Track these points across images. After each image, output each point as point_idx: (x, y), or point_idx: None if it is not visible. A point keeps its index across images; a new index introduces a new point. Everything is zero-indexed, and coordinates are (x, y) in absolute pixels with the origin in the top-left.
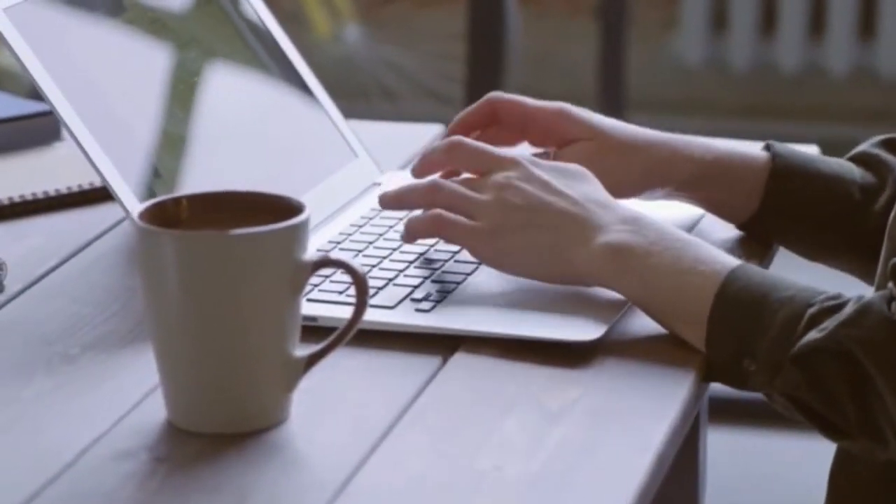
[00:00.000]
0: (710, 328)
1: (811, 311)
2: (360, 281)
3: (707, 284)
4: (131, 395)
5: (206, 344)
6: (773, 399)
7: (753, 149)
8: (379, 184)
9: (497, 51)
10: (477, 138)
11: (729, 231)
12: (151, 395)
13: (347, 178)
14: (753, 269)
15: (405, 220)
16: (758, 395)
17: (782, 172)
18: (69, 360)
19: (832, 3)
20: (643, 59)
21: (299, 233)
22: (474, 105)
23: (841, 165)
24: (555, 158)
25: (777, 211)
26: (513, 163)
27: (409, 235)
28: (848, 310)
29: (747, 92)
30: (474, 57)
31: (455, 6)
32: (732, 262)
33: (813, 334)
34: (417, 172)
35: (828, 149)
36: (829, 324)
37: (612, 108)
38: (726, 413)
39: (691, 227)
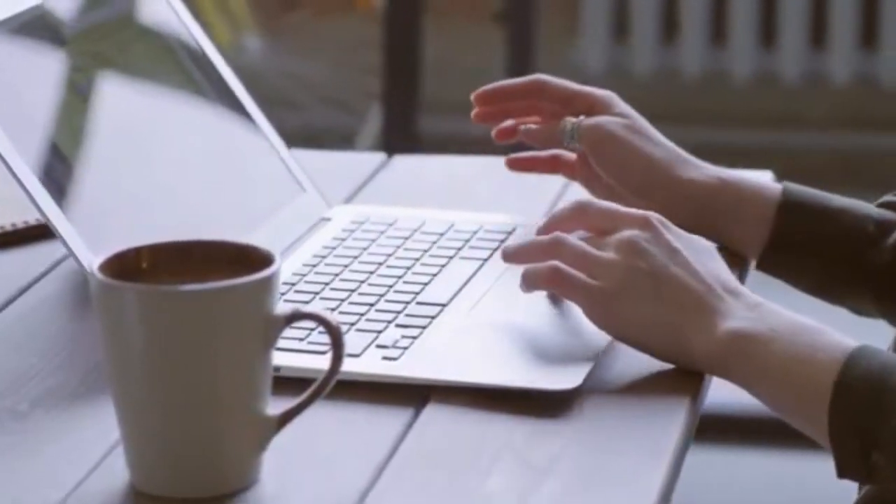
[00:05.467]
0: (832, 421)
1: None
2: (336, 335)
3: (825, 373)
4: (89, 455)
5: (173, 403)
6: None
7: (763, 177)
8: (329, 219)
9: (412, 60)
10: (515, 107)
11: None
12: (111, 454)
13: (295, 214)
14: (872, 351)
15: (524, 269)
16: (715, 409)
17: (792, 203)
18: (18, 418)
19: (734, 9)
20: (545, 66)
21: (270, 285)
22: (520, 78)
23: (854, 201)
24: None
25: (787, 243)
26: (643, 221)
27: (527, 285)
28: None
29: (650, 98)
30: (390, 67)
31: (355, 15)
32: (851, 346)
33: None
34: (543, 232)
35: (733, 154)
36: None
37: None
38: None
39: None
